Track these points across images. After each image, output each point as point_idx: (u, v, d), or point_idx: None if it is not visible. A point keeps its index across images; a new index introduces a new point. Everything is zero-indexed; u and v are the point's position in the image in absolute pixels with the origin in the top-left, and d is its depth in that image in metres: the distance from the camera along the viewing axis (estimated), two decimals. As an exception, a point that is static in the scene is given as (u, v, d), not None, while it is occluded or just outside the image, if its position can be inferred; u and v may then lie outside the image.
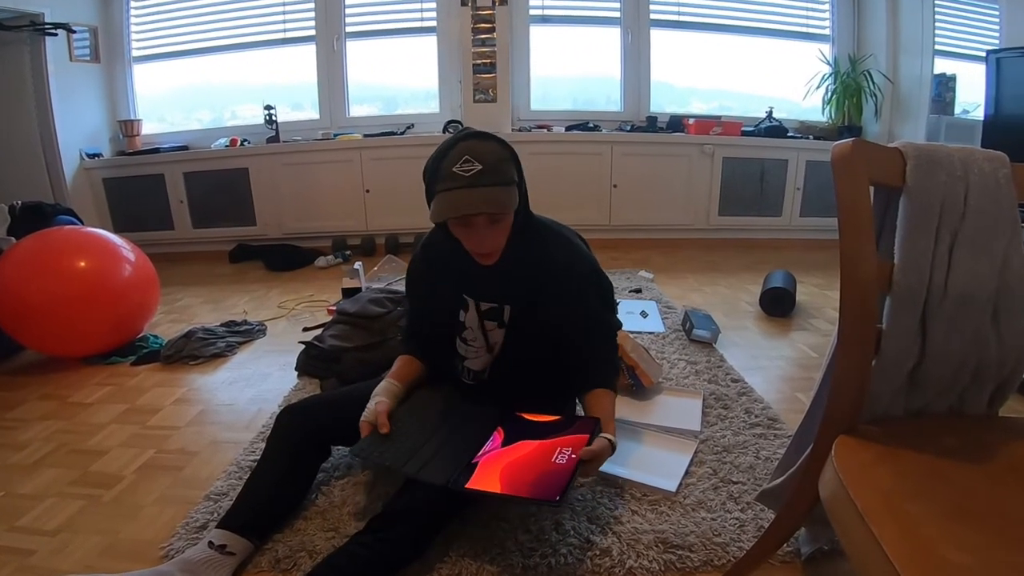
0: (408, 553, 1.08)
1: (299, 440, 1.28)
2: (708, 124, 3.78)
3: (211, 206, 3.83)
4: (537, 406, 1.25)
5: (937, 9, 3.49)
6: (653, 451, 1.51)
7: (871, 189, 0.81)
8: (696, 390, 1.83)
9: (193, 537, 1.22)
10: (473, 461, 1.10)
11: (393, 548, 1.06)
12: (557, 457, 1.07)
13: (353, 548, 1.06)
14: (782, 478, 1.05)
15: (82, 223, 2.94)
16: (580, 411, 1.32)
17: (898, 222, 0.82)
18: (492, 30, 3.57)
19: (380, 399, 1.23)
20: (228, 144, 3.81)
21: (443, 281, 1.31)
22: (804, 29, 4.07)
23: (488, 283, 1.26)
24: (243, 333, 2.45)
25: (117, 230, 3.25)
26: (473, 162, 1.06)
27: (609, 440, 1.12)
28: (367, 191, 3.78)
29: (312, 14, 3.91)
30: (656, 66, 4.05)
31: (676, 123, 3.89)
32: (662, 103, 4.15)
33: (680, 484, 1.36)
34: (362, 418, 1.20)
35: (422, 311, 1.41)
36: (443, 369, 1.40)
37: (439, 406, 1.30)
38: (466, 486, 1.04)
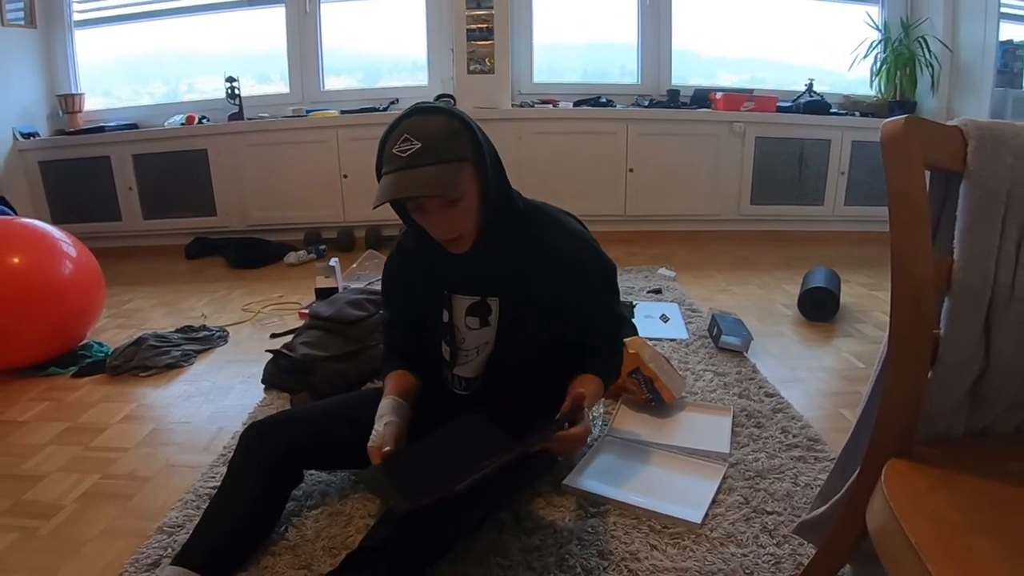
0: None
1: (267, 463, 1.27)
2: (738, 99, 3.78)
3: (164, 193, 3.83)
4: (536, 414, 1.26)
5: (1003, -34, 3.50)
6: (675, 477, 1.51)
7: (927, 174, 0.81)
8: (725, 406, 1.83)
9: (144, 576, 1.21)
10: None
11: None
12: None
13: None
14: (824, 508, 1.05)
15: (15, 213, 2.95)
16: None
17: (958, 212, 0.82)
18: (489, -10, 3.57)
19: (389, 419, 1.22)
20: (184, 122, 3.81)
21: (422, 280, 1.34)
22: (849, -11, 4.08)
23: (468, 275, 1.29)
24: (201, 340, 2.45)
25: (56, 221, 3.26)
26: (411, 140, 1.10)
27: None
28: (345, 176, 3.78)
29: (281, -28, 3.92)
30: (678, 32, 4.05)
31: (701, 98, 3.89)
32: (685, 74, 4.15)
33: (706, 515, 1.36)
34: (370, 443, 1.18)
35: (402, 318, 1.43)
36: (432, 380, 1.41)
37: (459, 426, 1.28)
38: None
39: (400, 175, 1.09)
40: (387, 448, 1.15)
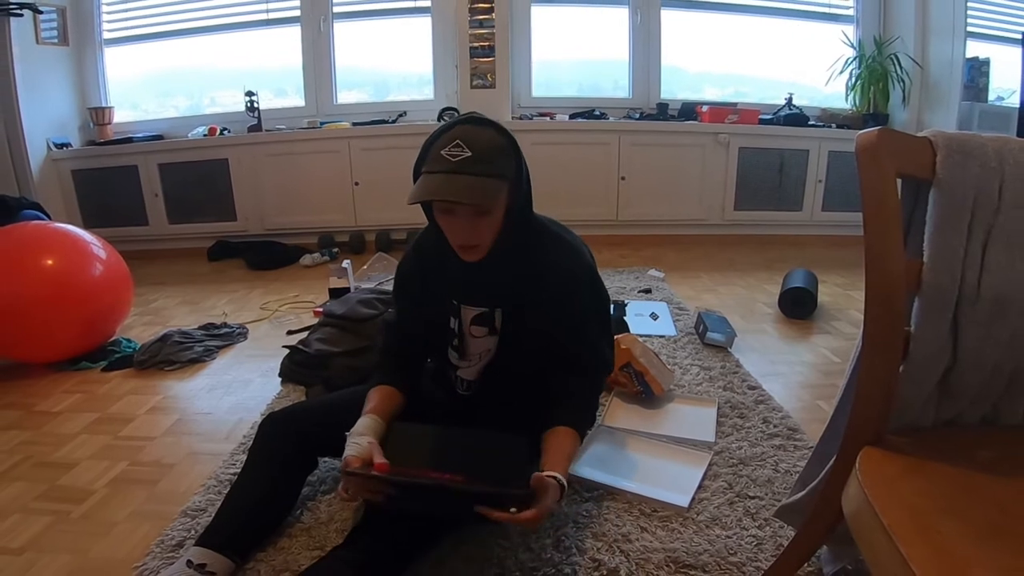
0: (393, 567, 1.08)
1: (284, 450, 1.27)
2: (723, 112, 3.78)
3: (188, 200, 3.83)
4: (528, 417, 1.22)
5: (970, -12, 3.50)
6: (663, 463, 1.51)
7: (898, 182, 0.81)
8: (710, 398, 1.83)
9: (169, 556, 1.21)
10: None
11: (376, 562, 1.05)
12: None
13: (333, 563, 1.06)
14: (803, 493, 1.05)
15: (49, 218, 2.94)
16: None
17: (927, 217, 0.82)
18: (491, 10, 3.57)
19: (371, 439, 1.11)
20: (206, 133, 3.81)
21: (434, 285, 1.30)
22: (826, 9, 4.07)
23: (476, 285, 1.25)
24: (223, 336, 2.45)
25: (87, 226, 3.26)
26: (463, 147, 1.05)
27: (555, 479, 1.04)
28: (356, 184, 3.78)
29: (297, -7, 3.92)
30: (667, 49, 4.05)
31: (689, 110, 3.89)
32: (674, 89, 4.15)
33: (693, 499, 1.36)
34: (349, 453, 1.08)
35: (410, 316, 1.37)
36: (437, 380, 1.40)
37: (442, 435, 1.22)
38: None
39: (445, 177, 1.05)
40: (366, 465, 1.05)
